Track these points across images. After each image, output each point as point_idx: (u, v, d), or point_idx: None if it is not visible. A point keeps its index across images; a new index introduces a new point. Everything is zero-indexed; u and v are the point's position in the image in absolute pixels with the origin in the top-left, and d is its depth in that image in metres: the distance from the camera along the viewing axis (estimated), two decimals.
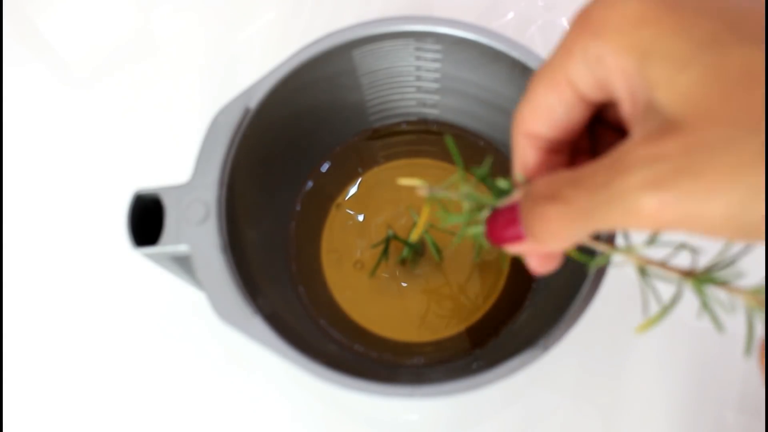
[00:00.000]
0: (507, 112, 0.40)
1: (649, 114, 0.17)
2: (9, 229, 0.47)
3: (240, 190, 0.35)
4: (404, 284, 0.42)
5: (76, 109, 0.50)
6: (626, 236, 0.22)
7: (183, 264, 0.34)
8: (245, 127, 0.34)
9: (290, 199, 0.44)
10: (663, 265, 0.21)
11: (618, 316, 0.43)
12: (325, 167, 0.45)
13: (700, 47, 0.17)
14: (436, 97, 0.42)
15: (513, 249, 0.22)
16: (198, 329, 0.44)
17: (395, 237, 0.43)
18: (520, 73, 0.36)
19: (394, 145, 0.45)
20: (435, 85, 0.41)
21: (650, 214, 0.16)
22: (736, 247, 0.19)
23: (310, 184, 0.45)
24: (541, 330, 0.32)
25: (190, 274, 0.35)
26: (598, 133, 0.23)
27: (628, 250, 0.21)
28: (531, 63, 0.35)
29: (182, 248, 0.32)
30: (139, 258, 0.33)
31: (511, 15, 0.51)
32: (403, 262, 0.42)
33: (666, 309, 0.20)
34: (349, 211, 0.44)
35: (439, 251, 0.42)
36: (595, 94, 0.20)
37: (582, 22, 0.20)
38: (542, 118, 0.21)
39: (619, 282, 0.41)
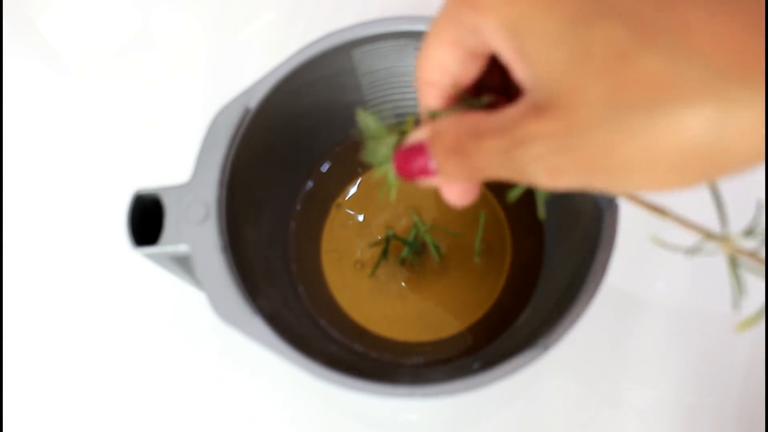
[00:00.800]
0: None
1: (535, 88, 0.18)
2: (9, 229, 0.47)
3: (240, 190, 0.35)
4: (404, 284, 0.42)
5: (76, 109, 0.50)
6: (724, 222, 0.21)
7: (183, 264, 0.34)
8: (245, 127, 0.34)
9: (290, 198, 0.44)
10: (754, 255, 0.20)
11: (618, 316, 0.43)
12: (325, 167, 0.45)
13: (568, 25, 0.17)
14: None
15: (425, 182, 0.23)
16: (198, 329, 0.44)
17: (395, 236, 0.43)
18: None
19: None
20: None
21: (543, 182, 0.18)
22: None
23: (310, 183, 0.45)
24: (541, 330, 0.32)
25: (190, 274, 0.35)
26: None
27: (723, 238, 0.21)
28: None
29: (182, 248, 0.32)
30: (138, 258, 0.33)
31: None
32: (403, 262, 0.42)
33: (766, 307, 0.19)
34: (349, 211, 0.44)
35: (438, 251, 0.42)
36: (484, 51, 0.21)
37: None
38: (438, 69, 0.22)
39: (618, 282, 0.41)
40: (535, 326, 0.36)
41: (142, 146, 0.49)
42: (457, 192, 0.24)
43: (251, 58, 0.51)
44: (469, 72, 0.22)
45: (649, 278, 0.43)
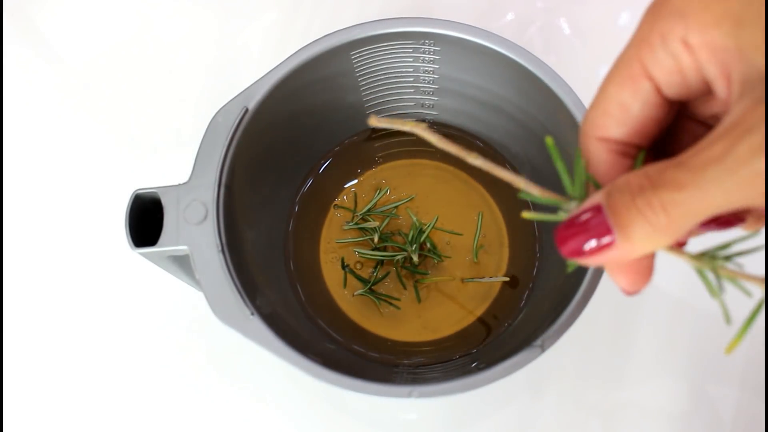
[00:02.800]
0: (505, 114, 0.41)
1: (748, 86, 0.17)
2: (9, 229, 0.47)
3: (239, 190, 0.36)
4: (403, 284, 0.42)
5: (76, 109, 0.50)
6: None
7: (182, 264, 0.34)
8: (244, 127, 0.35)
9: (289, 199, 0.44)
10: (740, 274, 0.19)
11: (615, 316, 0.43)
12: (323, 167, 0.45)
13: None
14: (434, 98, 0.42)
15: (594, 260, 0.19)
16: (198, 328, 0.44)
17: (393, 238, 0.43)
18: (517, 75, 0.36)
19: (393, 145, 0.45)
20: (433, 86, 0.41)
21: None
22: None
23: (309, 184, 0.45)
24: (538, 330, 0.32)
25: (189, 274, 0.35)
26: (681, 136, 0.22)
27: (705, 259, 0.19)
28: (529, 64, 0.35)
29: (181, 248, 0.32)
30: (137, 257, 0.33)
31: (510, 16, 0.51)
32: (402, 262, 0.42)
33: (749, 321, 0.19)
34: (348, 210, 0.44)
35: (437, 251, 0.42)
36: (675, 88, 0.19)
37: (658, 7, 0.19)
38: (616, 119, 0.20)
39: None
40: (532, 326, 0.36)
41: (141, 146, 0.49)
42: (631, 273, 0.20)
43: (251, 58, 0.51)
44: (647, 124, 0.20)
45: None
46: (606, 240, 0.18)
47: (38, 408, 0.43)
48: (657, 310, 0.43)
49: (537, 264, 0.42)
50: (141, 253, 0.32)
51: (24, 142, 0.50)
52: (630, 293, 0.21)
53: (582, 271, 0.32)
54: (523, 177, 0.20)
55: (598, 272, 0.32)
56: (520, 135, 0.41)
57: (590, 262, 0.19)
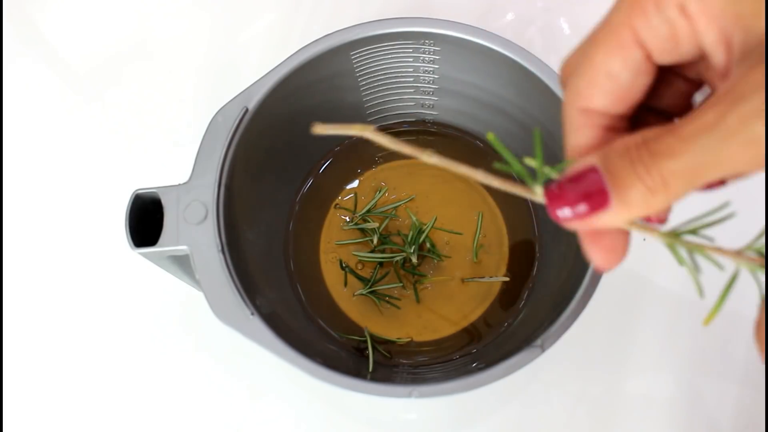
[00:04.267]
0: (505, 114, 0.41)
1: (748, 53, 0.16)
2: (9, 229, 0.47)
3: (239, 190, 0.36)
4: (403, 284, 0.42)
5: (77, 109, 0.50)
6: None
7: (181, 264, 0.34)
8: (244, 127, 0.35)
9: (289, 199, 0.44)
10: (710, 247, 0.19)
11: (615, 316, 0.43)
12: (323, 167, 0.45)
13: None
14: (434, 98, 0.42)
15: (586, 223, 0.19)
16: (197, 328, 0.44)
17: (390, 239, 0.43)
18: (517, 75, 0.36)
19: None
20: (433, 87, 0.41)
21: None
22: None
23: (308, 184, 0.45)
24: (538, 329, 0.33)
25: (189, 274, 0.35)
26: (661, 91, 0.21)
27: (673, 235, 0.19)
28: (529, 64, 0.35)
29: (181, 248, 0.32)
30: (138, 257, 0.33)
31: (510, 16, 0.51)
32: (402, 262, 0.42)
33: (725, 293, 0.19)
34: (347, 210, 0.44)
35: (437, 251, 0.42)
36: (667, 54, 0.18)
37: None
38: (603, 88, 0.19)
39: (616, 282, 0.41)
40: (532, 326, 0.36)
41: (141, 146, 0.49)
42: (607, 249, 0.20)
43: (251, 58, 0.51)
44: (634, 94, 0.19)
45: (647, 274, 0.43)
46: (600, 202, 0.18)
47: (38, 407, 0.43)
48: (657, 309, 0.43)
49: (537, 264, 0.42)
50: (141, 253, 0.32)
51: (24, 142, 0.50)
52: (604, 270, 0.21)
53: (582, 271, 0.32)
54: (482, 170, 0.19)
55: (598, 273, 0.32)
56: (520, 135, 0.41)
57: (581, 225, 0.19)
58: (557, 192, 0.19)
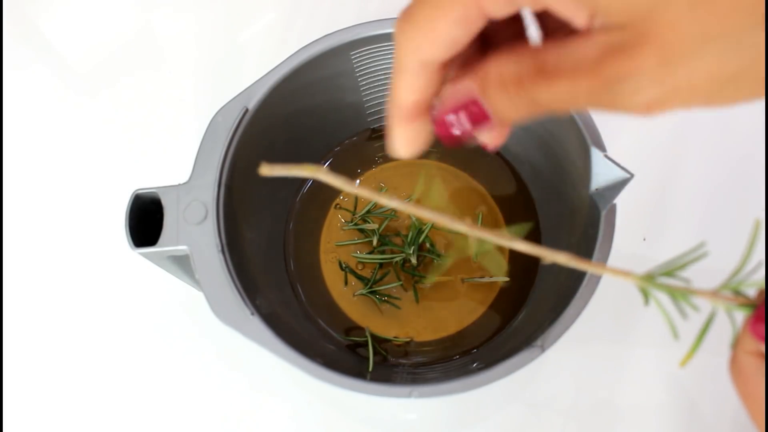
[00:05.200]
0: None
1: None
2: (9, 228, 0.47)
3: (239, 190, 0.36)
4: (403, 285, 0.42)
5: (76, 109, 0.50)
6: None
7: (181, 264, 0.34)
8: (244, 127, 0.35)
9: (289, 199, 0.44)
10: (687, 289, 0.20)
11: (615, 314, 0.43)
12: (323, 167, 0.45)
13: None
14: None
15: (469, 137, 0.22)
16: (197, 328, 0.44)
17: (390, 240, 0.43)
18: None
19: None
20: None
21: (638, 112, 0.18)
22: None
23: (308, 184, 0.45)
24: (538, 330, 0.33)
25: (189, 274, 0.35)
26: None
27: (648, 278, 0.21)
28: None
29: (181, 248, 0.32)
30: (138, 257, 0.33)
31: None
32: (402, 263, 0.42)
33: (701, 335, 0.20)
34: (347, 211, 0.44)
35: (436, 251, 0.42)
36: (506, 12, 0.19)
37: None
38: (445, 47, 0.20)
39: (616, 282, 0.41)
40: (532, 326, 0.36)
41: (141, 146, 0.49)
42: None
43: (250, 58, 0.51)
44: (467, 42, 0.20)
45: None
46: (483, 123, 0.21)
47: (39, 407, 0.43)
48: (657, 309, 0.43)
49: (538, 264, 0.42)
50: (141, 253, 0.32)
51: (24, 142, 0.50)
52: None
53: (582, 271, 0.32)
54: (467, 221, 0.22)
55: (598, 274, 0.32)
56: (521, 135, 0.41)
57: (465, 138, 0.22)
58: (443, 120, 0.22)
